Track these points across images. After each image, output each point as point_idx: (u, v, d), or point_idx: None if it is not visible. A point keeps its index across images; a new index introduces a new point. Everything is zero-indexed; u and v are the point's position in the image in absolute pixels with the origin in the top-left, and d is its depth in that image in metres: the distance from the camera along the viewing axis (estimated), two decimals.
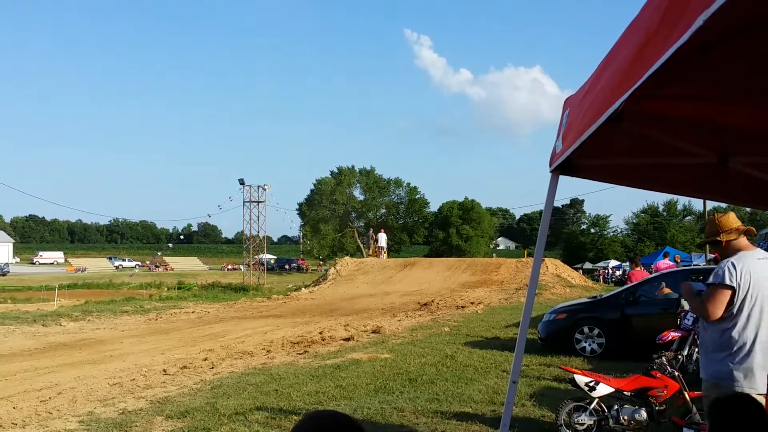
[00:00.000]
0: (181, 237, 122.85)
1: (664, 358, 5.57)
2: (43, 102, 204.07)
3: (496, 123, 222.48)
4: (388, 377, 8.66)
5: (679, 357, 5.89)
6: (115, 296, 33.25)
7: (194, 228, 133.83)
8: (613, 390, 5.50)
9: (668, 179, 3.45)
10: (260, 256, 55.51)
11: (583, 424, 5.52)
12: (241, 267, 66.81)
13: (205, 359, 10.97)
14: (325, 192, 75.69)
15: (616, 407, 5.48)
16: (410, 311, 18.61)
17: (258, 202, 54.70)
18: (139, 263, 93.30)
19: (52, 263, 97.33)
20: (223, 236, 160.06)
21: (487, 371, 9.01)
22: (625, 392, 5.49)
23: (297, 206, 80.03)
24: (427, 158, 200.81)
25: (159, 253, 78.24)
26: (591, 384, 5.49)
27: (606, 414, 5.49)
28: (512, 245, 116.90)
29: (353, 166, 79.08)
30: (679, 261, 19.54)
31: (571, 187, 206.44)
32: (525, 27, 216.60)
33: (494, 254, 66.58)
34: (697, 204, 68.25)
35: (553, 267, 27.34)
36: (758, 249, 3.83)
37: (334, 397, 7.62)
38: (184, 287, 47.65)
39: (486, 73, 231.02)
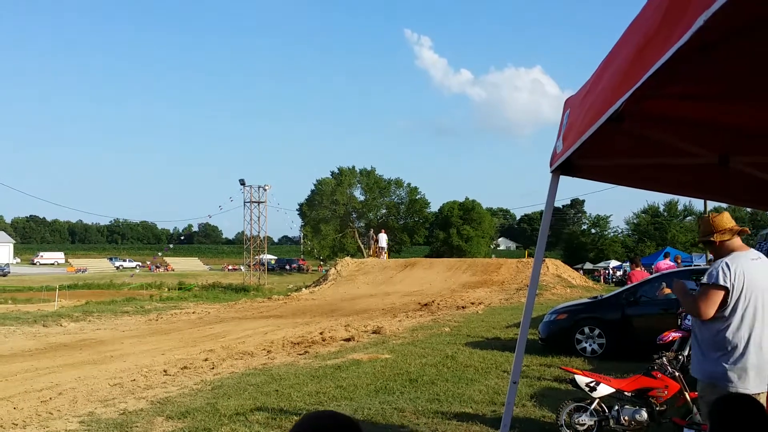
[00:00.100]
0: (182, 237, 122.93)
1: (664, 359, 5.56)
2: (43, 102, 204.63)
3: (497, 123, 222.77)
4: (388, 378, 8.66)
5: (680, 357, 5.88)
6: (115, 297, 33.27)
7: (195, 228, 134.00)
8: (613, 390, 5.50)
9: (669, 179, 3.45)
10: (261, 256, 55.55)
11: (584, 424, 5.51)
12: (242, 267, 66.89)
13: (206, 360, 10.97)
14: (325, 192, 75.73)
15: (616, 408, 5.47)
16: (411, 311, 18.61)
17: (258, 203, 54.80)
18: (140, 264, 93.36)
19: (53, 264, 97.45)
20: (224, 237, 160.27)
21: (488, 372, 9.01)
22: (626, 393, 5.48)
23: (297, 207, 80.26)
24: (427, 158, 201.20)
25: (159, 254, 78.28)
26: (592, 384, 5.49)
27: (607, 414, 5.49)
28: (513, 245, 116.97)
29: (354, 167, 79.27)
30: (679, 261, 19.51)
31: (571, 188, 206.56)
32: (525, 27, 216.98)
33: (493, 255, 66.51)
34: (697, 204, 68.20)
35: (554, 267, 27.35)
36: (752, 249, 3.84)
37: (334, 397, 7.62)
38: (184, 288, 47.67)
39: (486, 74, 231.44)
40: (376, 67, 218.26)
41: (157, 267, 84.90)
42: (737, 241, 3.77)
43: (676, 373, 5.42)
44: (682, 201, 73.56)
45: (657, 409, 5.39)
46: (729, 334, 3.57)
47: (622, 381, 5.63)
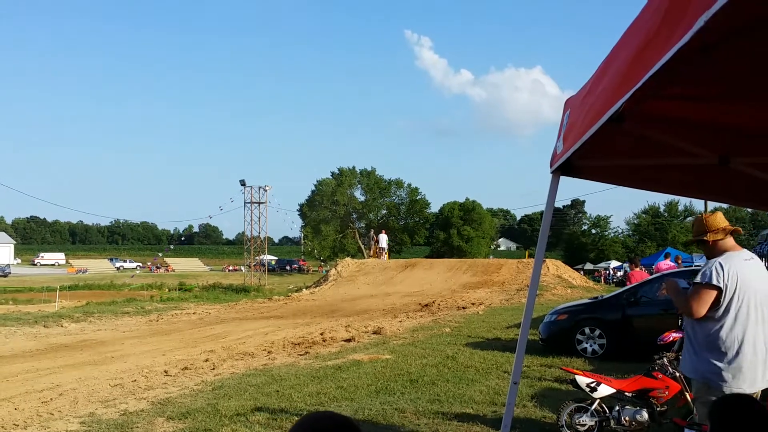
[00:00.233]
0: (182, 238, 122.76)
1: (665, 359, 5.57)
2: (43, 102, 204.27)
3: (497, 124, 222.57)
4: (389, 378, 8.66)
5: (680, 358, 5.88)
6: (116, 297, 33.23)
7: (195, 229, 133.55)
8: (614, 391, 5.50)
9: (669, 180, 3.45)
10: (261, 257, 55.57)
11: (585, 425, 5.51)
12: (242, 268, 66.85)
13: (206, 360, 10.97)
14: (325, 193, 75.74)
15: (617, 408, 5.47)
16: (411, 312, 18.61)
17: (259, 203, 54.80)
18: (140, 264, 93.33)
19: (54, 264, 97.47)
20: (224, 237, 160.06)
21: (489, 372, 9.01)
22: (627, 393, 5.48)
23: (298, 207, 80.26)
24: (427, 159, 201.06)
25: (160, 254, 78.20)
26: (592, 385, 5.49)
27: (607, 415, 5.49)
28: (513, 246, 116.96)
29: (354, 167, 79.25)
30: (680, 262, 19.48)
31: (572, 188, 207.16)
32: (525, 27, 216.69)
33: (490, 255, 66.48)
34: (698, 205, 68.19)
35: (554, 268, 27.33)
36: (744, 250, 3.85)
37: (335, 398, 7.62)
38: (185, 288, 47.68)
39: (486, 74, 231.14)
40: (376, 68, 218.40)
41: (158, 268, 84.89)
42: (730, 240, 3.77)
43: (677, 374, 5.41)
44: (683, 201, 73.67)
45: (658, 409, 5.39)
46: (723, 333, 3.58)
47: (623, 381, 5.63)
